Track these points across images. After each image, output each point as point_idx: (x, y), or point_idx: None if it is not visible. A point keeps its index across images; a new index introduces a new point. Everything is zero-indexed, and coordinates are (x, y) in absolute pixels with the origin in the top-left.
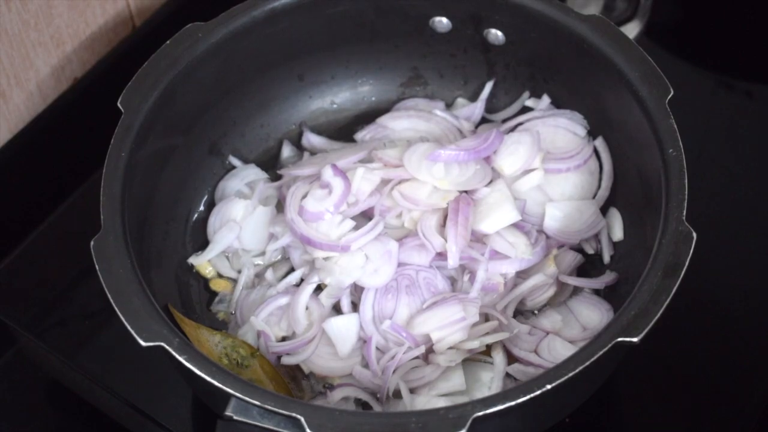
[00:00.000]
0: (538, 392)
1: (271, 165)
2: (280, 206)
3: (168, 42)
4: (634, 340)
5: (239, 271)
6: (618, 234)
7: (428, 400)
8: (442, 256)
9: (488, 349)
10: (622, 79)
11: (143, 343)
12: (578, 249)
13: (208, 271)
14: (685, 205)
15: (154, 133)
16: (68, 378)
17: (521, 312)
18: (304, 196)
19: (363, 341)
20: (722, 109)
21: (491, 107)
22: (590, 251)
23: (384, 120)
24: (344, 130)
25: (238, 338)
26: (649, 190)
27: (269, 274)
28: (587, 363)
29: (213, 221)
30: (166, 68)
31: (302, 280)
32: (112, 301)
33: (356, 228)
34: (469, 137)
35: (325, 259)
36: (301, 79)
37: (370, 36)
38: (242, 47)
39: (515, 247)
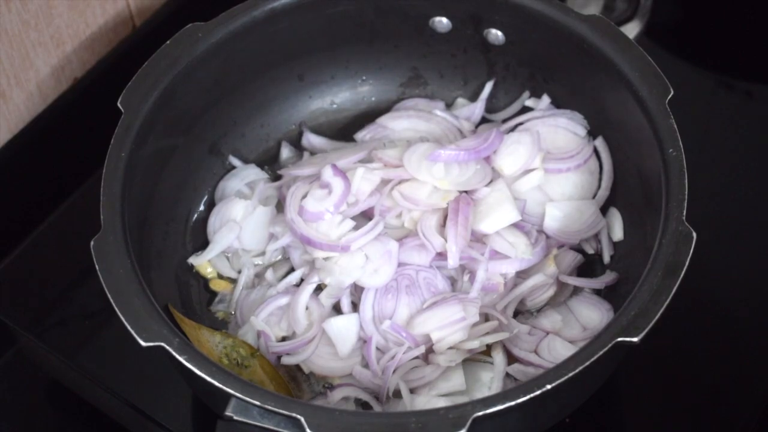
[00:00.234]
0: (538, 392)
1: (271, 165)
2: (280, 206)
3: (168, 42)
4: (634, 340)
5: (239, 271)
6: (618, 234)
7: (428, 400)
8: (442, 256)
9: (488, 349)
10: (622, 79)
11: (143, 343)
12: (578, 249)
13: (208, 271)
14: (685, 205)
15: (154, 133)
16: (68, 378)
17: (521, 312)
18: (304, 196)
19: (363, 341)
20: (722, 109)
21: (491, 107)
22: (590, 251)
23: (384, 120)
24: (344, 130)
25: (238, 338)
26: (649, 190)
27: (269, 274)
28: (587, 363)
29: (213, 221)
30: (166, 68)
31: (302, 280)
32: (112, 301)
33: (356, 228)
34: (469, 137)
35: (325, 259)
36: (301, 79)
37: (370, 36)
38: (242, 47)
39: (515, 247)
